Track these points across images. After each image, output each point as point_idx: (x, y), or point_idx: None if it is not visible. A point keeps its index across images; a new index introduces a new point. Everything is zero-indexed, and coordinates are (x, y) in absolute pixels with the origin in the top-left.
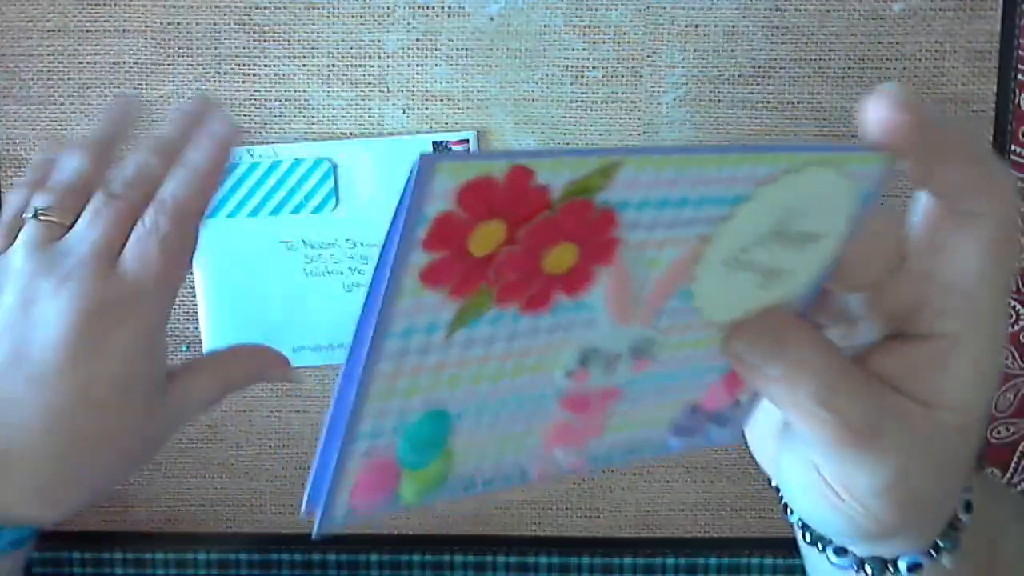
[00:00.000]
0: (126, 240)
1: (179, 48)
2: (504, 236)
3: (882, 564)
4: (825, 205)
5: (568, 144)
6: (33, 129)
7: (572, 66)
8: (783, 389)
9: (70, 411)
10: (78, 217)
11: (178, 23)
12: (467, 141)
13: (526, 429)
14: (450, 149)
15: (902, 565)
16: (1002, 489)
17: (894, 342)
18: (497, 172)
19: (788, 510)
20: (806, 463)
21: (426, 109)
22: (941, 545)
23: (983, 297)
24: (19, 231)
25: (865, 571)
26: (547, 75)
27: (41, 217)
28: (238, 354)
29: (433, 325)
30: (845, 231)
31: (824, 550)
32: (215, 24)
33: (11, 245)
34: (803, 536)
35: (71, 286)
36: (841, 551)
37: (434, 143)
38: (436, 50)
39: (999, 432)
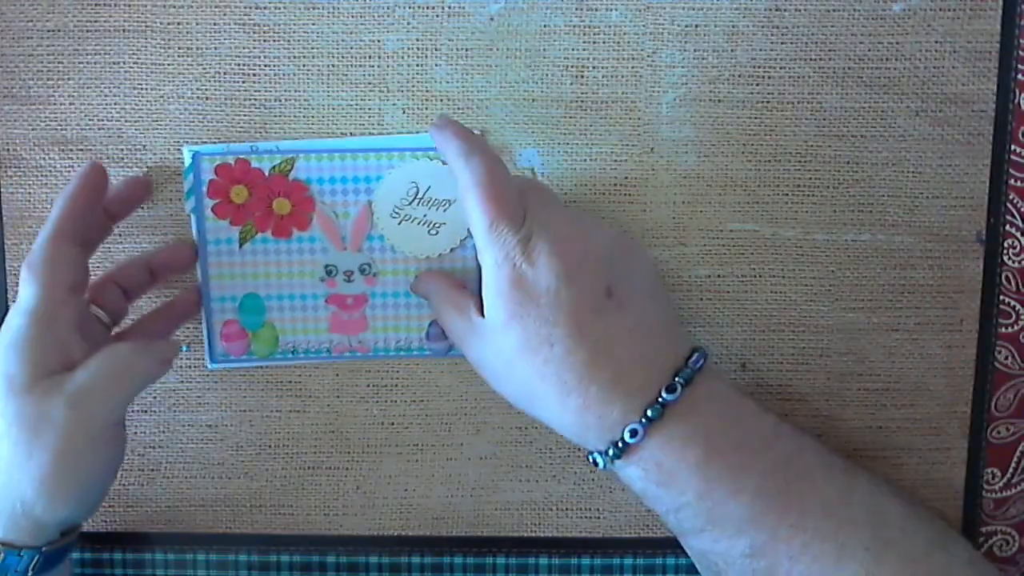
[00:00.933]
0: None
1: (179, 48)
2: (248, 194)
3: (604, 453)
4: (441, 181)
5: (568, 143)
6: (33, 129)
7: (572, 66)
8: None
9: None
10: None
11: (178, 23)
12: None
13: (314, 318)
14: None
15: (593, 456)
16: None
17: None
18: (231, 160)
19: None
20: None
21: (426, 109)
22: (610, 451)
23: (476, 234)
24: None
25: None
26: (547, 75)
27: None
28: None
29: (229, 239)
30: None
31: (593, 459)
32: (215, 24)
33: None
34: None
35: None
36: (590, 452)
37: None
38: (436, 50)
39: (999, 432)
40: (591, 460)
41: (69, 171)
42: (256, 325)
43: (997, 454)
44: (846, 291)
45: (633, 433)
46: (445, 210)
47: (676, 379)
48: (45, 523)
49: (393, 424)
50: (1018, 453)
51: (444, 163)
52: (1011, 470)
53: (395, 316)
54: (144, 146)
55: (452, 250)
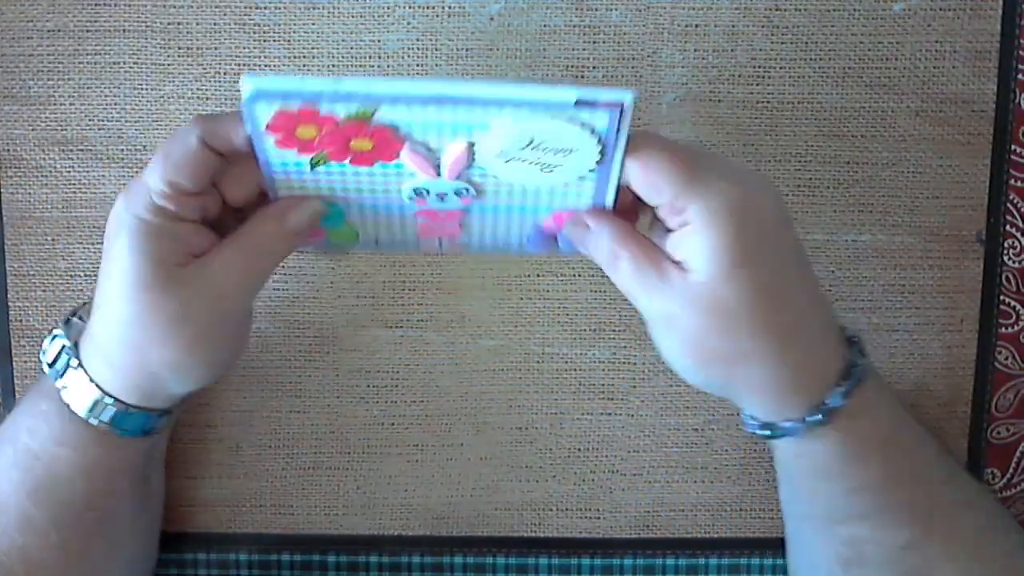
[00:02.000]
0: None
1: (179, 48)
2: (317, 131)
3: (773, 426)
4: (563, 136)
5: None
6: (33, 129)
7: (572, 66)
8: (592, 250)
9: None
10: None
11: (178, 23)
12: (620, 105)
13: (400, 225)
14: (597, 105)
15: (785, 425)
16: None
17: (670, 231)
18: (293, 108)
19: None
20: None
21: None
22: (809, 419)
23: (696, 198)
24: None
25: (765, 433)
26: (547, 75)
27: None
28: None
29: (298, 163)
30: (600, 146)
31: (746, 423)
32: (215, 24)
33: None
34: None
35: None
36: (751, 419)
37: (578, 100)
38: (436, 50)
39: (999, 432)
40: (779, 433)
41: (69, 171)
42: (336, 226)
43: (997, 454)
44: (846, 291)
45: (846, 394)
46: (565, 156)
47: (855, 345)
48: (174, 394)
49: (393, 424)
50: (1018, 453)
51: (568, 122)
52: (1011, 470)
53: (494, 225)
54: (144, 146)
55: (566, 185)
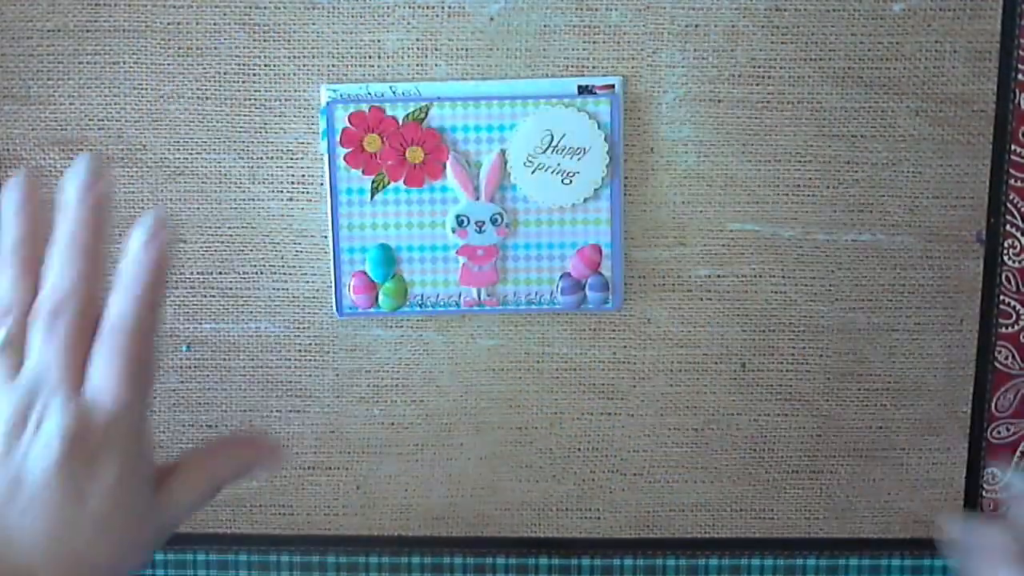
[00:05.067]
0: (87, 355)
1: (179, 48)
2: (380, 142)
3: None
4: (576, 128)
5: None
6: (33, 129)
7: (572, 66)
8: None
9: (67, 537)
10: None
11: (178, 23)
12: (612, 86)
13: (444, 269)
14: (594, 91)
15: None
16: None
17: None
18: (364, 108)
19: None
20: None
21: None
22: None
23: None
24: None
25: None
26: (547, 75)
27: None
28: (226, 449)
29: (361, 190)
30: (607, 145)
31: None
32: (215, 24)
33: None
34: None
35: (47, 425)
36: None
37: (579, 87)
38: (436, 50)
39: (999, 432)
40: None
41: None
42: (385, 277)
43: (997, 454)
44: (846, 291)
45: None
46: (579, 159)
47: None
48: None
49: (393, 424)
50: (1018, 453)
51: (580, 110)
52: (1011, 470)
53: (526, 268)
54: (144, 146)
55: (586, 200)
